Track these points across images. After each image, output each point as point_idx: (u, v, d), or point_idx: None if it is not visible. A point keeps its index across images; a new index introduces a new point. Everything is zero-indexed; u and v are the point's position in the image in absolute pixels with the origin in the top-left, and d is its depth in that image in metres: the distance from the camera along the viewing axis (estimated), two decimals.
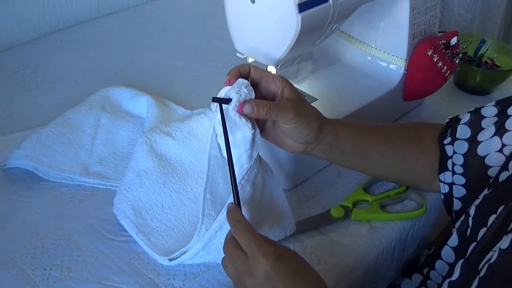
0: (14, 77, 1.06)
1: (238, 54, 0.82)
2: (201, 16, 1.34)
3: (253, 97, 0.68)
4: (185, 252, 0.71)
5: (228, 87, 0.68)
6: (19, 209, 0.78)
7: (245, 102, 0.67)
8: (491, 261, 0.56)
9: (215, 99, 0.68)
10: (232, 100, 0.67)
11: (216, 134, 0.69)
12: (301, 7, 0.71)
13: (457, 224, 0.72)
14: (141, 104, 0.95)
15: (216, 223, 0.67)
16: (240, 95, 0.67)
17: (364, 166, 0.82)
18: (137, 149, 0.82)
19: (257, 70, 0.71)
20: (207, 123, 0.82)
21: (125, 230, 0.76)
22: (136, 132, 0.91)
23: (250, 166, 0.68)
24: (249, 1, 0.73)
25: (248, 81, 0.69)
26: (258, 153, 0.70)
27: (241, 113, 0.67)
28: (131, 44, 1.19)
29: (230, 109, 0.67)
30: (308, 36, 0.76)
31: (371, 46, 0.98)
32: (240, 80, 0.68)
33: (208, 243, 0.69)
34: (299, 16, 0.71)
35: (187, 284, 0.71)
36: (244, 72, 0.70)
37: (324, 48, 1.01)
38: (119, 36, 1.22)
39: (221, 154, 0.70)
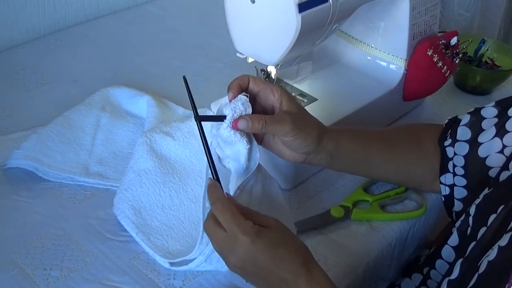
0: (14, 77, 1.06)
1: (238, 54, 0.82)
2: (201, 16, 1.34)
3: (249, 113, 0.68)
4: (186, 260, 0.71)
5: (225, 102, 0.69)
6: (19, 209, 0.78)
7: (240, 118, 0.67)
8: (490, 258, 0.57)
9: (202, 118, 0.68)
10: (227, 117, 0.67)
11: (215, 148, 0.69)
12: (301, 7, 0.71)
13: (457, 223, 0.72)
14: (141, 104, 0.95)
15: None
16: (235, 111, 0.67)
17: (364, 171, 0.82)
18: (137, 149, 0.82)
19: (256, 81, 0.70)
20: (207, 123, 0.82)
21: (125, 230, 0.76)
22: (136, 132, 0.91)
23: (247, 178, 0.68)
24: (249, 1, 0.73)
25: (247, 95, 0.70)
26: (259, 164, 0.70)
27: (236, 129, 0.67)
28: (131, 44, 1.19)
29: (225, 126, 0.67)
30: (308, 36, 0.76)
31: (371, 46, 0.98)
32: (239, 96, 0.68)
33: (210, 255, 0.69)
34: (299, 16, 0.71)
35: (187, 284, 0.71)
36: (244, 84, 0.70)
37: (324, 48, 1.01)
38: (119, 36, 1.22)
39: (220, 163, 0.70)
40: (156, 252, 0.73)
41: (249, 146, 0.68)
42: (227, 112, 0.67)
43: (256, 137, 0.71)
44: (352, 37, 1.00)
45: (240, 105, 0.68)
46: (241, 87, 0.69)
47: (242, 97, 0.69)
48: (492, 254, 0.57)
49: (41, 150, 0.84)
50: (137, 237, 0.74)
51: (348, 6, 0.79)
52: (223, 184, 0.69)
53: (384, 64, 0.97)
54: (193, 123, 0.84)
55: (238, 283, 0.71)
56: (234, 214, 0.61)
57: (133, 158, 0.82)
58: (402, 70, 0.96)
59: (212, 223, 0.62)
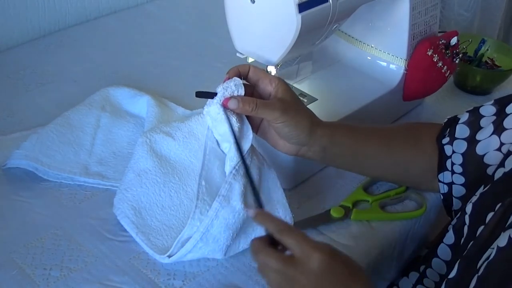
0: (14, 77, 1.06)
1: (238, 54, 0.82)
2: (201, 16, 1.34)
3: (242, 94, 0.70)
4: (181, 243, 0.71)
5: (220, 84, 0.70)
6: (19, 209, 0.78)
7: (231, 97, 0.69)
8: (490, 259, 0.57)
9: (199, 94, 0.70)
10: (217, 95, 0.69)
11: (211, 130, 0.71)
12: (301, 7, 0.71)
13: (453, 221, 0.73)
14: (141, 104, 0.95)
15: (211, 211, 0.68)
16: (226, 90, 0.69)
17: (360, 168, 0.82)
18: (137, 149, 0.82)
19: (256, 70, 0.72)
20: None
21: (125, 230, 0.76)
22: (136, 132, 0.91)
23: (241, 158, 0.68)
24: (249, 1, 0.73)
25: (243, 80, 0.71)
26: (252, 146, 0.70)
27: (225, 107, 0.69)
28: (131, 44, 1.19)
29: (214, 102, 0.69)
30: (308, 36, 0.76)
31: (371, 46, 0.98)
32: (233, 78, 0.70)
33: (205, 234, 0.69)
34: (299, 16, 0.71)
35: (187, 284, 0.71)
36: (244, 72, 0.72)
37: (324, 48, 1.01)
38: (119, 36, 1.22)
39: (220, 148, 0.71)
40: (156, 252, 0.73)
41: (238, 124, 0.69)
42: (219, 90, 0.69)
43: (252, 126, 0.72)
44: (352, 37, 1.00)
45: (232, 85, 0.70)
46: (239, 73, 0.71)
47: (236, 79, 0.70)
48: (492, 254, 0.57)
49: (41, 150, 0.84)
50: (137, 237, 0.74)
51: (348, 6, 0.79)
52: (219, 166, 0.70)
53: (384, 64, 0.97)
54: (193, 123, 0.84)
55: (238, 283, 0.71)
56: (305, 234, 0.59)
57: (133, 158, 0.81)
58: (402, 70, 0.96)
59: (271, 251, 0.59)
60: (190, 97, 1.01)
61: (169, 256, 0.72)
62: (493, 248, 0.58)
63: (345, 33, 1.00)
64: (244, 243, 0.73)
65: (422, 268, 0.79)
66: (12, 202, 0.79)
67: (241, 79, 0.71)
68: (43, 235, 0.75)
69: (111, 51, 1.16)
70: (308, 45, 0.82)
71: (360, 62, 0.99)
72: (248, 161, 0.70)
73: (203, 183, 0.70)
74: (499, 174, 0.68)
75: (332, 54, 1.02)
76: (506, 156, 0.70)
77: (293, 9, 0.71)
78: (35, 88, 1.03)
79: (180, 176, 0.80)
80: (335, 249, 0.59)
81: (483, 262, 0.58)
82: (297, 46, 0.75)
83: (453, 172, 0.78)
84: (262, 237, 0.62)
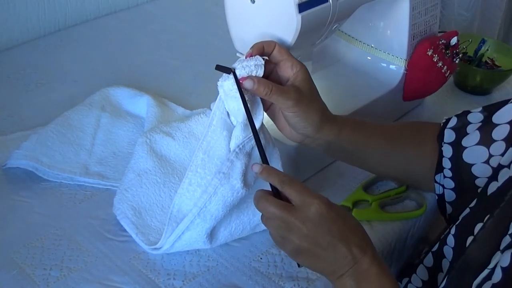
0: (14, 77, 1.06)
1: (238, 54, 0.82)
2: (201, 16, 1.34)
3: (260, 75, 0.68)
4: (174, 219, 0.71)
5: (242, 58, 0.69)
6: (19, 209, 0.78)
7: (248, 77, 0.67)
8: (496, 281, 0.55)
9: (218, 67, 0.68)
10: (235, 72, 0.67)
11: (223, 101, 0.69)
12: (301, 7, 0.71)
13: (436, 244, 0.73)
14: (141, 104, 0.95)
15: (210, 187, 0.67)
16: (244, 69, 0.67)
17: (362, 164, 0.82)
18: (137, 149, 0.82)
19: (281, 51, 0.70)
20: (207, 123, 0.82)
21: (125, 230, 0.76)
22: (136, 132, 0.91)
23: (248, 137, 0.68)
24: (249, 1, 0.73)
25: (265, 59, 0.69)
26: (262, 125, 0.70)
27: (241, 85, 0.67)
28: (131, 44, 1.19)
29: (230, 78, 0.67)
30: (308, 36, 0.76)
31: (371, 46, 0.98)
32: (256, 56, 0.68)
33: (203, 209, 0.68)
34: (299, 16, 0.71)
35: (187, 284, 0.71)
36: (268, 49, 0.70)
37: (324, 48, 1.01)
38: (119, 36, 1.22)
39: (230, 120, 0.70)
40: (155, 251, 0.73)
41: (249, 105, 0.67)
42: (238, 66, 0.68)
43: (263, 104, 0.71)
44: (352, 37, 1.00)
45: (252, 64, 0.68)
46: (263, 50, 0.69)
47: (258, 58, 0.68)
48: (498, 277, 0.56)
49: (41, 150, 0.84)
50: (137, 237, 0.74)
51: (348, 6, 0.79)
52: (227, 136, 0.69)
53: (384, 64, 0.97)
54: (193, 123, 0.84)
55: (238, 283, 0.71)
56: (304, 186, 0.62)
57: (133, 158, 0.82)
58: (402, 70, 0.96)
59: (274, 202, 0.62)
60: (190, 97, 1.03)
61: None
62: (490, 269, 0.57)
63: (345, 33, 1.00)
64: (236, 218, 0.73)
65: (404, 281, 0.79)
66: (12, 202, 0.79)
67: (263, 56, 0.69)
68: (43, 235, 0.75)
69: (111, 51, 1.16)
70: (308, 45, 0.82)
71: (360, 62, 0.99)
72: (253, 142, 0.68)
73: (201, 155, 0.69)
74: (492, 188, 0.67)
75: (332, 54, 1.02)
76: (497, 169, 0.69)
77: (293, 9, 0.71)
78: (35, 88, 1.03)
79: (180, 176, 0.80)
80: (331, 202, 0.62)
81: (483, 282, 0.57)
82: (297, 46, 0.75)
83: (444, 176, 0.78)
84: (266, 190, 0.64)
